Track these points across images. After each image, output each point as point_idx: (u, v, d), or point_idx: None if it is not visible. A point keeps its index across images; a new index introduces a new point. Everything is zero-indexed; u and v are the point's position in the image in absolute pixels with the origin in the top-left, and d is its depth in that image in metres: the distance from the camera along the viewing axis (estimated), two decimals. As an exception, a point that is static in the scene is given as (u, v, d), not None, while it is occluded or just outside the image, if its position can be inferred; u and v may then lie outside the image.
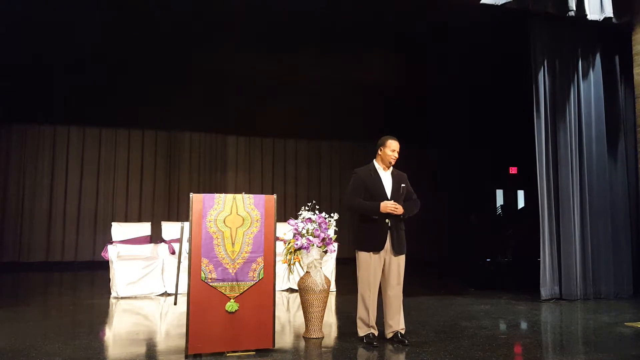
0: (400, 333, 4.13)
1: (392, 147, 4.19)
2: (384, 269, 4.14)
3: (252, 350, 3.81)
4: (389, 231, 4.09)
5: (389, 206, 4.03)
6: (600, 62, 6.82)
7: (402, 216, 4.12)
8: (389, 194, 4.15)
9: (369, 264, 4.10)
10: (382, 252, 4.10)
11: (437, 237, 12.09)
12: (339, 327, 4.98)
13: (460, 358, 3.76)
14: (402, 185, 4.22)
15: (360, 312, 4.16)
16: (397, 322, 4.15)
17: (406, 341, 4.07)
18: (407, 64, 9.33)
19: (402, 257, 4.18)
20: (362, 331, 4.15)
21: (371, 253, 4.09)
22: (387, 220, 4.08)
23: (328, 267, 6.62)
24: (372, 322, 4.14)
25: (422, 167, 11.62)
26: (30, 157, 10.31)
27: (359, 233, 4.23)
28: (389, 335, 4.15)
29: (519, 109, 9.06)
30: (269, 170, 11.93)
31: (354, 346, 4.07)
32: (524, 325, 5.08)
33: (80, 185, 10.54)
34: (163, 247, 7.02)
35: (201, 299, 3.72)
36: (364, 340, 4.10)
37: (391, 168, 4.29)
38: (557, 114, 6.60)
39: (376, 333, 4.16)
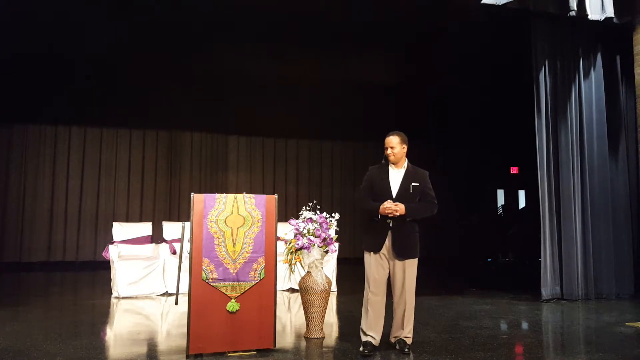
0: (404, 340, 3.92)
1: (385, 144, 4.03)
2: (391, 274, 3.95)
3: (253, 350, 3.82)
4: (390, 232, 3.87)
5: (387, 207, 3.81)
6: (601, 62, 6.81)
7: (404, 217, 3.84)
8: (394, 193, 3.91)
9: (370, 264, 3.97)
10: (384, 255, 3.91)
11: (437, 236, 12.07)
12: (340, 327, 4.98)
13: (461, 358, 3.76)
14: (414, 184, 3.96)
15: (362, 317, 3.98)
16: (401, 329, 3.94)
17: (406, 349, 3.85)
18: (408, 64, 9.35)
19: (410, 262, 3.90)
20: (362, 337, 3.97)
21: (371, 253, 3.96)
22: (388, 221, 3.89)
23: (329, 267, 6.63)
24: (371, 328, 3.90)
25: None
26: (32, 157, 10.30)
27: (364, 231, 4.15)
28: (393, 339, 3.98)
29: (519, 108, 9.07)
30: (270, 170, 11.90)
31: (355, 346, 4.06)
32: (525, 325, 5.08)
33: (81, 185, 10.53)
34: (164, 247, 7.02)
35: (202, 299, 3.73)
36: (360, 348, 3.87)
37: (405, 165, 4.04)
38: (558, 114, 6.60)
39: (375, 341, 3.90)
